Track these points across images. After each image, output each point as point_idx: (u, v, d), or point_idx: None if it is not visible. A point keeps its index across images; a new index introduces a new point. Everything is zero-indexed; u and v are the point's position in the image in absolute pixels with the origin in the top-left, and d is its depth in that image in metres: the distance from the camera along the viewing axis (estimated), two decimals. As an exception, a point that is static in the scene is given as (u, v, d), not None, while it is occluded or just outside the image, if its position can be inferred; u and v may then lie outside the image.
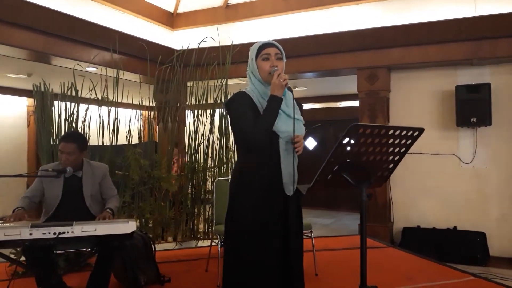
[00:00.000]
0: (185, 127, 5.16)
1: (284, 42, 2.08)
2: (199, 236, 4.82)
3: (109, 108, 4.45)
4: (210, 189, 4.78)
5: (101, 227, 2.38)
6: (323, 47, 5.41)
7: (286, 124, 1.96)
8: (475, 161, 4.93)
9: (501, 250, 4.77)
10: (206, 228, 4.85)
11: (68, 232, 2.30)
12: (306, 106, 2.19)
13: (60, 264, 3.37)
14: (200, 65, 4.90)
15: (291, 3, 5.88)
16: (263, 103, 1.97)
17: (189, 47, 4.95)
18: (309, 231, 3.41)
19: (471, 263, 4.52)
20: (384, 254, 4.43)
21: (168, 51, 5.50)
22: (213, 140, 4.85)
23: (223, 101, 4.82)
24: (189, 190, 4.83)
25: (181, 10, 6.62)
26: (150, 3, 6.20)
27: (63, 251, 2.95)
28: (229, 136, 4.84)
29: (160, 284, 3.32)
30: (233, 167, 4.73)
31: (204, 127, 4.84)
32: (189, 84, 5.01)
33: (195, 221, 4.86)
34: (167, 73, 4.79)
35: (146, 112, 5.61)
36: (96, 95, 4.37)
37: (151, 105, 4.90)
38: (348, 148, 1.67)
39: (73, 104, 4.19)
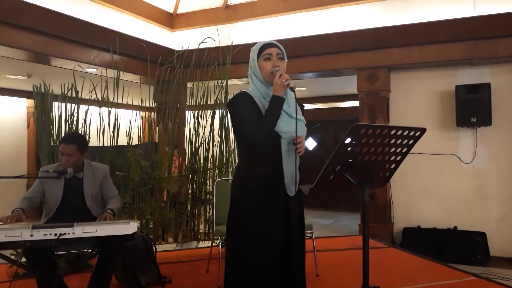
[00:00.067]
0: (186, 128, 5.16)
1: (284, 42, 2.08)
2: (199, 237, 4.81)
3: (109, 109, 4.44)
4: (210, 189, 4.78)
5: (102, 228, 2.37)
6: (323, 47, 5.41)
7: (288, 125, 1.96)
8: (475, 161, 4.94)
9: (501, 250, 4.78)
10: (207, 229, 4.84)
11: (69, 233, 2.29)
12: (306, 106, 2.19)
13: (60, 265, 3.36)
14: (200, 66, 4.90)
15: (291, 3, 5.89)
16: (265, 104, 1.96)
17: (189, 48, 4.95)
18: (310, 231, 3.41)
19: (471, 263, 4.52)
20: (385, 254, 4.43)
21: (168, 51, 5.50)
22: (213, 140, 4.84)
23: (223, 101, 4.81)
24: (190, 191, 4.82)
25: (180, 10, 6.63)
26: (149, 3, 6.20)
27: (63, 252, 2.94)
28: (229, 137, 4.84)
29: (161, 285, 3.31)
30: (234, 167, 4.75)
31: (205, 128, 4.84)
32: (189, 84, 5.01)
33: (196, 221, 4.85)
34: (167, 74, 4.78)
35: (146, 113, 5.60)
36: (96, 96, 4.36)
37: (151, 106, 4.90)
38: (350, 148, 1.67)
39: (73, 105, 4.19)
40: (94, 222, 2.59)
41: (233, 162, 4.82)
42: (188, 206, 4.82)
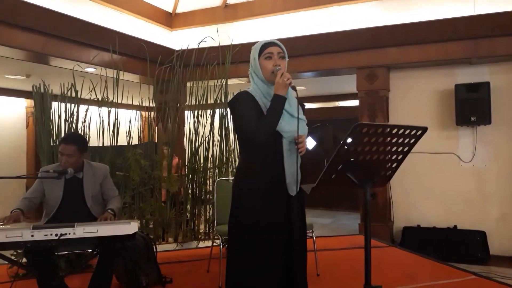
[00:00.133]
0: (185, 128, 5.15)
1: (283, 41, 2.07)
2: (200, 236, 4.81)
3: (109, 108, 4.44)
4: (210, 189, 4.77)
5: (103, 228, 2.37)
6: (322, 47, 5.41)
7: (290, 124, 1.95)
8: (474, 160, 4.94)
9: (501, 249, 4.78)
10: (207, 229, 4.84)
11: (70, 234, 2.28)
12: (305, 106, 2.18)
13: (61, 265, 3.35)
14: (200, 65, 4.89)
15: (290, 3, 5.88)
16: (266, 103, 1.96)
17: (189, 47, 4.94)
18: (310, 231, 3.40)
19: (471, 262, 4.52)
20: (385, 254, 4.43)
21: (168, 51, 5.49)
22: (213, 140, 4.84)
23: (223, 101, 4.81)
24: (190, 191, 4.82)
25: (179, 10, 6.62)
26: (148, 3, 6.19)
27: (64, 253, 2.94)
28: (229, 137, 4.83)
29: (162, 285, 3.31)
30: (234, 167, 4.75)
31: (204, 128, 4.83)
32: (188, 84, 5.00)
33: (196, 221, 4.85)
34: (167, 74, 4.78)
35: (146, 112, 5.60)
36: (96, 96, 4.35)
37: (151, 105, 4.89)
38: (352, 148, 1.67)
39: (73, 105, 4.18)
40: (95, 222, 2.59)
41: (233, 161, 4.82)
42: (188, 206, 4.81)
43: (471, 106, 4.76)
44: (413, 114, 5.25)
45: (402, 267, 3.99)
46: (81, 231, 2.31)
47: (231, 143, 4.83)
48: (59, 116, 4.11)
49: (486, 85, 4.74)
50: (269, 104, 1.93)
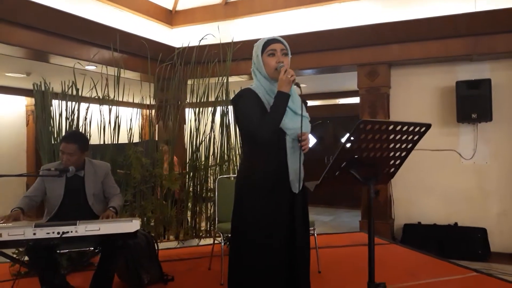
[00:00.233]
0: (186, 126, 5.14)
1: (284, 38, 2.06)
2: (201, 234, 4.81)
3: (110, 106, 4.43)
4: (211, 187, 4.77)
5: (105, 226, 2.37)
6: (323, 44, 5.40)
7: (293, 121, 1.95)
8: (475, 157, 4.94)
9: (502, 246, 4.79)
10: (208, 226, 4.84)
11: (72, 232, 2.29)
12: (308, 103, 2.18)
13: (63, 263, 3.35)
14: (200, 63, 4.88)
15: (291, 0, 5.87)
16: (270, 100, 1.95)
17: (189, 45, 4.93)
18: (312, 228, 3.40)
19: (472, 259, 4.52)
20: (386, 251, 4.43)
21: (168, 49, 5.47)
22: (214, 138, 4.83)
23: (224, 99, 4.80)
24: (191, 189, 4.81)
25: (179, 7, 6.60)
26: (148, 0, 6.17)
27: (66, 251, 2.94)
28: (230, 134, 4.82)
29: (164, 283, 3.31)
30: (235, 165, 4.74)
31: (205, 125, 4.82)
32: (189, 82, 4.98)
33: (197, 219, 4.84)
34: (168, 71, 4.76)
35: (147, 110, 5.59)
36: (97, 94, 4.34)
37: (151, 103, 4.88)
38: (356, 145, 1.66)
39: (73, 103, 4.17)
40: (97, 220, 2.59)
41: (234, 159, 4.81)
42: (189, 203, 4.81)
43: (472, 103, 4.76)
44: (414, 111, 5.24)
45: (403, 264, 3.99)
46: (83, 229, 2.31)
47: (232, 141, 4.82)
48: (60, 114, 4.09)
49: (487, 82, 4.74)
50: (273, 101, 1.92)
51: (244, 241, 1.99)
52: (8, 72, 6.26)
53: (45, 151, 3.98)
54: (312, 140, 8.61)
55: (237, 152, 4.81)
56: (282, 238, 1.98)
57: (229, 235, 2.77)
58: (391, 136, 1.72)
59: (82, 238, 2.33)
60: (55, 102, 4.14)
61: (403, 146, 1.81)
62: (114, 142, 4.40)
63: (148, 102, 4.84)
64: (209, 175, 4.84)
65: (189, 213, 4.85)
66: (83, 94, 4.24)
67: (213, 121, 4.83)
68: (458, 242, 4.81)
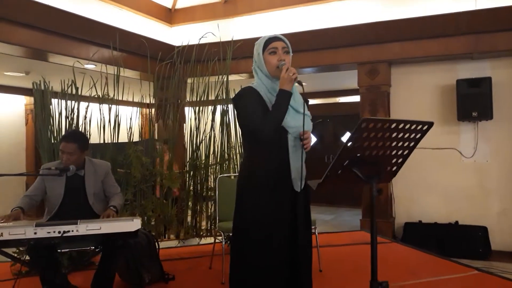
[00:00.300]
0: (186, 124, 5.13)
1: (284, 36, 2.05)
2: (201, 233, 4.80)
3: (110, 105, 4.42)
4: (212, 186, 4.76)
5: (106, 226, 2.36)
6: (323, 42, 5.39)
7: (295, 120, 1.94)
8: (476, 156, 4.94)
9: (502, 244, 4.78)
10: (209, 225, 4.83)
11: (73, 231, 2.28)
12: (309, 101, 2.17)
13: (63, 263, 3.35)
14: (200, 61, 4.87)
15: (291, -2, 5.86)
16: (271, 98, 1.94)
17: (189, 43, 4.92)
18: (313, 227, 3.39)
19: (472, 257, 4.52)
20: (388, 250, 4.43)
21: (168, 47, 5.46)
22: (214, 137, 4.82)
23: (224, 97, 4.79)
24: (191, 188, 4.80)
25: (179, 6, 6.58)
26: (147, -1, 6.16)
27: (67, 250, 2.93)
28: (230, 133, 4.81)
29: (165, 282, 3.30)
30: (237, 163, 4.73)
31: (206, 124, 4.82)
32: (189, 80, 4.97)
33: (198, 218, 4.84)
34: (167, 70, 4.75)
35: (147, 109, 5.58)
36: (96, 93, 4.33)
37: (151, 102, 4.87)
38: (358, 143, 1.66)
39: (73, 101, 4.16)
40: (98, 220, 2.58)
41: (235, 158, 4.80)
42: (190, 202, 4.80)
43: (473, 102, 4.75)
44: (414, 110, 5.23)
45: (404, 262, 3.99)
46: (84, 228, 2.30)
47: (233, 140, 4.81)
48: (60, 113, 4.08)
49: (488, 80, 4.73)
50: (274, 99, 1.91)
51: (246, 239, 1.99)
52: (7, 71, 6.24)
53: (44, 150, 3.97)
54: (312, 139, 8.60)
55: (237, 151, 4.80)
56: (284, 236, 1.97)
57: (230, 234, 2.76)
58: (393, 135, 1.72)
59: (83, 237, 2.32)
60: (54, 101, 4.13)
61: (405, 144, 1.80)
62: (114, 141, 4.39)
63: (148, 101, 4.83)
64: (209, 174, 4.84)
65: (189, 212, 4.85)
66: (83, 93, 4.23)
67: (213, 119, 4.82)
68: (459, 241, 4.81)
